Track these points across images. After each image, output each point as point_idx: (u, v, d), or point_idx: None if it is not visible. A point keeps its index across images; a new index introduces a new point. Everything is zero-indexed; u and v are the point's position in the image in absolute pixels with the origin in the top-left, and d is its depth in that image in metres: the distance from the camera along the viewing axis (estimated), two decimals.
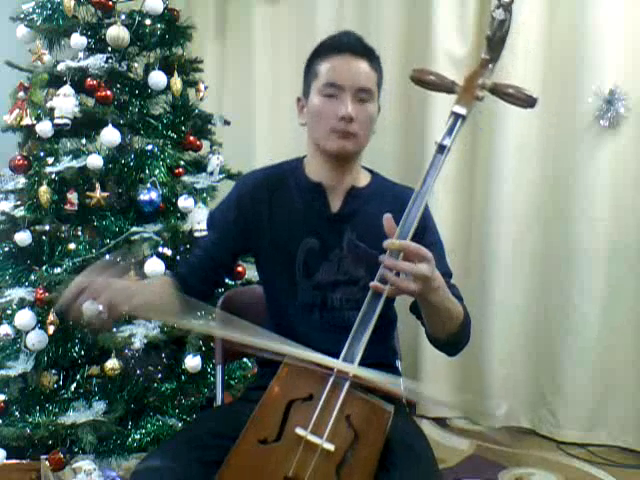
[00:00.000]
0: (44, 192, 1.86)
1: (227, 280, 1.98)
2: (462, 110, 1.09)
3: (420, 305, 1.12)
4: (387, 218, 1.04)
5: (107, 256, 1.87)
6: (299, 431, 1.05)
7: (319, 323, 1.29)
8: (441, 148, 1.07)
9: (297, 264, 1.30)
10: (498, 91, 1.13)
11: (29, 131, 1.96)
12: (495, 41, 1.12)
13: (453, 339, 1.18)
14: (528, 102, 1.11)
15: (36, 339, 1.82)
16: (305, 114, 1.30)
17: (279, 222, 1.31)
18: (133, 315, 1.78)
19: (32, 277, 1.90)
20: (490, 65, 1.13)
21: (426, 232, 1.26)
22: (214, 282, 1.42)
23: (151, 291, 1.24)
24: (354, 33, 1.29)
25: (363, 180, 1.35)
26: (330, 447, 1.03)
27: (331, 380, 1.06)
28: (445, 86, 1.15)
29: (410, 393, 1.20)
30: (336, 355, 1.08)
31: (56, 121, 1.89)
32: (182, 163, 2.05)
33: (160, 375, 1.96)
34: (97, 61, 1.94)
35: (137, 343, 1.77)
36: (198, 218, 1.95)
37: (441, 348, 1.23)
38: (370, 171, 1.39)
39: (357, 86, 1.22)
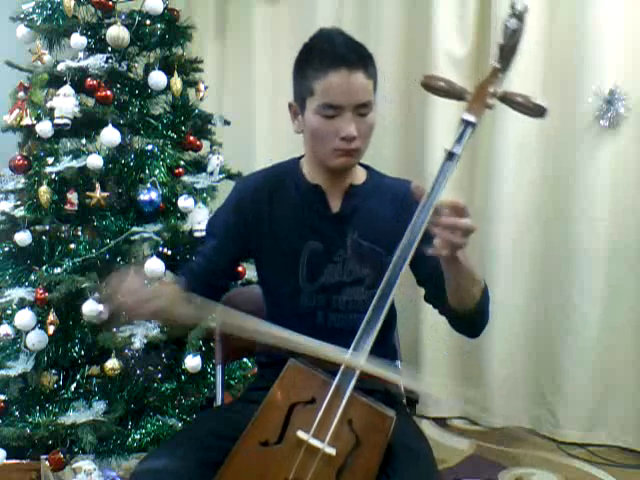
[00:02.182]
0: (44, 192, 1.86)
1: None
2: (472, 118, 1.09)
3: (447, 272, 1.10)
4: (416, 187, 1.03)
5: (107, 256, 1.87)
6: (301, 434, 1.04)
7: (323, 327, 1.29)
8: (451, 155, 1.07)
9: (300, 268, 1.29)
10: (508, 100, 1.13)
11: (29, 131, 1.96)
12: (507, 50, 1.11)
13: (478, 308, 1.16)
14: (537, 111, 1.11)
15: (36, 339, 1.82)
16: (300, 122, 1.27)
17: (280, 225, 1.31)
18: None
19: (32, 277, 1.90)
20: (501, 74, 1.13)
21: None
22: (217, 288, 1.41)
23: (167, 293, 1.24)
24: (343, 34, 1.23)
25: (360, 177, 1.35)
26: (331, 451, 1.03)
27: (334, 384, 1.06)
28: (455, 93, 1.15)
29: (412, 386, 1.19)
30: None
31: (56, 121, 1.89)
32: (182, 163, 2.05)
33: (160, 375, 1.96)
34: (97, 61, 1.94)
35: (137, 343, 1.78)
36: (198, 218, 1.95)
37: (465, 324, 1.22)
38: (365, 167, 1.38)
39: (356, 103, 1.19)
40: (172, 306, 1.16)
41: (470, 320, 1.20)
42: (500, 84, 1.13)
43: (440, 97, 1.18)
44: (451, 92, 1.15)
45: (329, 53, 1.18)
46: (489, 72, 1.14)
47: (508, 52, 1.12)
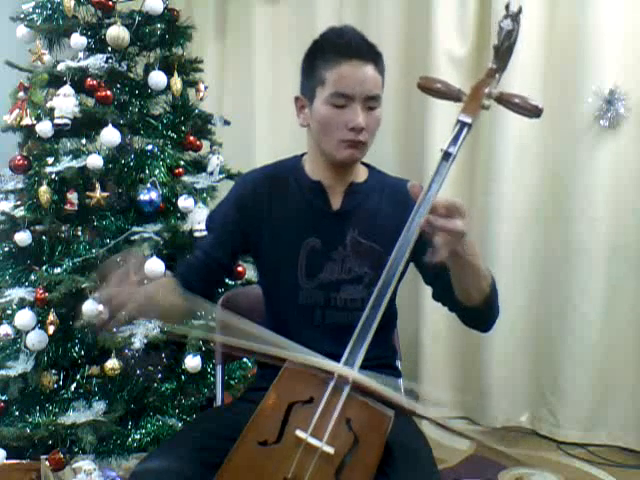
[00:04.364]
0: (44, 192, 1.86)
1: (227, 280, 1.99)
2: (468, 119, 1.09)
3: (451, 268, 1.10)
4: (412, 185, 1.04)
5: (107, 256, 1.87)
6: (299, 433, 1.04)
7: (321, 324, 1.29)
8: (446, 155, 1.07)
9: (299, 265, 1.29)
10: (504, 100, 1.13)
11: (29, 131, 1.96)
12: (503, 51, 1.12)
13: (487, 302, 1.16)
14: (534, 112, 1.12)
15: (36, 339, 1.82)
16: (306, 115, 1.28)
17: (280, 222, 1.31)
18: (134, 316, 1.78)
19: (32, 277, 1.90)
20: (497, 75, 1.14)
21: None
22: (214, 282, 1.42)
23: (153, 291, 1.24)
24: (355, 30, 1.26)
25: (362, 175, 1.35)
26: (330, 450, 1.03)
27: (332, 383, 1.06)
28: (451, 94, 1.16)
29: (409, 405, 1.19)
30: (338, 357, 1.07)
31: (56, 121, 1.89)
32: (182, 163, 2.05)
33: (160, 375, 1.96)
34: (97, 61, 1.94)
35: (137, 343, 1.77)
36: (198, 218, 1.95)
37: (475, 319, 1.22)
38: (366, 165, 1.38)
39: (367, 95, 1.21)
40: (152, 302, 1.17)
41: (480, 314, 1.20)
42: (496, 85, 1.13)
43: (436, 98, 1.19)
44: (447, 93, 1.16)
45: (342, 45, 1.22)
46: (484, 73, 1.15)
47: (503, 53, 1.13)
